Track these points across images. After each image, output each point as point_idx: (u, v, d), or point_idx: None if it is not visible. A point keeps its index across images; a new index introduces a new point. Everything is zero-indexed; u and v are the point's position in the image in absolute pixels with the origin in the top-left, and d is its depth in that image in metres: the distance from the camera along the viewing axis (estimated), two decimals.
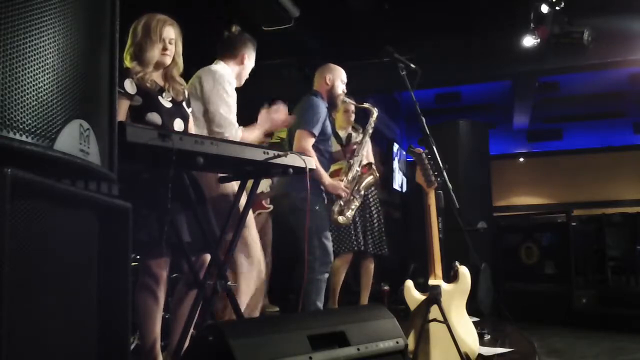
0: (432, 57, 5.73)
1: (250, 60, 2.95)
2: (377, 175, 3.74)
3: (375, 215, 4.28)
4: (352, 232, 4.10)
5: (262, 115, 2.78)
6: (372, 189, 4.31)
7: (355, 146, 3.74)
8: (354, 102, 3.87)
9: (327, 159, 3.48)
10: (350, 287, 5.03)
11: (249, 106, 3.08)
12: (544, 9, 5.18)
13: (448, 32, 5.81)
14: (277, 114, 2.78)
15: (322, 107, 3.36)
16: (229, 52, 2.90)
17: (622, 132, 10.36)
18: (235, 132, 2.67)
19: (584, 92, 9.02)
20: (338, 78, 3.48)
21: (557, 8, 5.15)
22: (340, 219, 3.46)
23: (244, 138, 2.66)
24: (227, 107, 2.69)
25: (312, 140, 3.26)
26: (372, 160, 4.21)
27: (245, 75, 2.97)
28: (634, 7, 5.43)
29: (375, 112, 3.76)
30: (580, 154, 10.66)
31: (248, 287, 2.71)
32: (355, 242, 4.08)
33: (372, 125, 3.76)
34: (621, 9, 5.48)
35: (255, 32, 3.09)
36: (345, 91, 3.56)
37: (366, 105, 3.83)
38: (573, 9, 5.26)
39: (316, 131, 3.27)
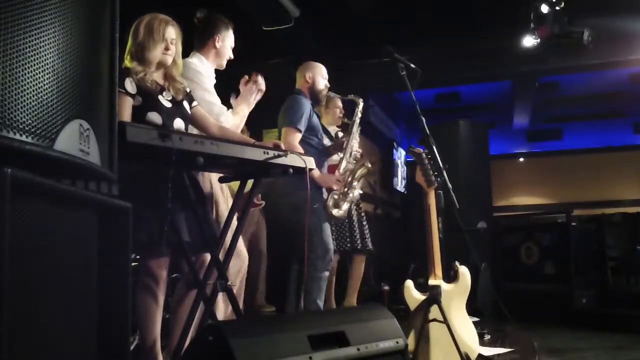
0: (432, 57, 5.72)
1: (224, 41, 2.86)
2: (369, 165, 3.69)
3: (363, 213, 4.30)
4: (347, 232, 4.09)
5: (243, 86, 2.80)
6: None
7: (344, 139, 3.73)
8: (338, 96, 3.89)
9: (320, 151, 3.50)
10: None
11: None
12: (544, 9, 5.17)
13: (448, 32, 5.80)
14: (256, 83, 2.78)
15: (305, 103, 3.42)
16: (201, 40, 2.86)
17: (622, 132, 10.33)
18: (225, 115, 2.69)
19: (584, 92, 8.99)
20: (318, 74, 3.53)
21: (557, 8, 5.15)
22: (336, 212, 3.44)
23: (234, 124, 2.70)
24: (208, 93, 2.71)
25: (298, 136, 3.32)
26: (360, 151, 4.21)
27: (225, 57, 2.89)
28: (634, 7, 5.42)
29: (360, 103, 3.75)
30: (580, 154, 10.64)
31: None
32: (349, 242, 4.07)
33: (359, 115, 3.75)
34: (621, 9, 5.47)
35: (255, 32, 3.08)
36: (328, 85, 3.58)
37: (351, 96, 3.82)
38: (573, 9, 5.26)
39: (301, 127, 3.34)
